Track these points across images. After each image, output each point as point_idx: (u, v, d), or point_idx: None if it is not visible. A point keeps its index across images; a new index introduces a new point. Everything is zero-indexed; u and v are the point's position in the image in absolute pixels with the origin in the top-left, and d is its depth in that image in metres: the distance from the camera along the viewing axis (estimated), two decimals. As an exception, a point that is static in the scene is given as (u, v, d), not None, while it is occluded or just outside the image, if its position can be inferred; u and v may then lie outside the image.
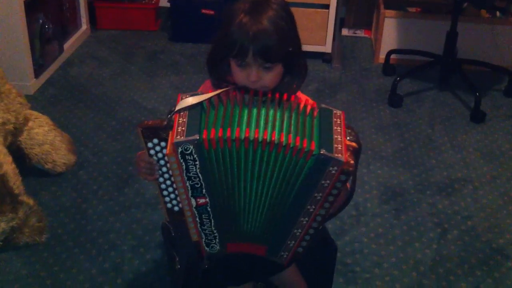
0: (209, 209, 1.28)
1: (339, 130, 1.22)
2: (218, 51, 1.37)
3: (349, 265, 1.92)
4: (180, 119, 1.21)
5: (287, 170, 1.21)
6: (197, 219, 1.30)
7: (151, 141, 1.26)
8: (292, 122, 1.21)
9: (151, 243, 1.98)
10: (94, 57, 3.33)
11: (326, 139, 1.20)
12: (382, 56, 3.31)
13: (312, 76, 3.11)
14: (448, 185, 2.34)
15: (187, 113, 1.22)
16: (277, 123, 1.20)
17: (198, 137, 1.17)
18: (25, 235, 1.92)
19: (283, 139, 1.17)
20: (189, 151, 1.18)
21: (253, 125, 1.19)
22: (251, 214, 1.31)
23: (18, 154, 2.16)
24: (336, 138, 1.20)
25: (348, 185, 1.29)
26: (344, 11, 3.71)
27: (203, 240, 1.35)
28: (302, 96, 1.45)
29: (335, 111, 1.26)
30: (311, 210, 1.26)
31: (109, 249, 1.95)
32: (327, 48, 3.30)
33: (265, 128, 1.19)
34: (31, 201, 1.95)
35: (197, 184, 1.24)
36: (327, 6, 3.21)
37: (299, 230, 1.30)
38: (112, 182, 2.28)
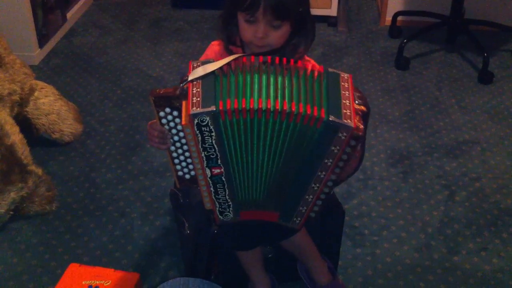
0: (223, 179, 1.28)
1: (347, 94, 1.20)
2: (229, 6, 1.35)
3: (357, 228, 1.93)
4: (194, 88, 1.19)
5: (298, 138, 1.21)
6: (212, 188, 1.30)
7: (163, 110, 1.24)
8: (302, 89, 1.20)
9: (160, 210, 2.00)
10: (97, 25, 3.30)
11: (334, 104, 1.18)
12: (388, 18, 3.27)
13: (317, 40, 3.07)
14: (456, 147, 2.33)
15: (200, 83, 1.20)
16: (287, 91, 1.19)
17: (214, 109, 1.16)
18: (35, 204, 1.94)
19: (294, 107, 1.16)
20: (205, 123, 1.17)
21: (264, 94, 1.18)
22: (264, 182, 1.31)
23: (25, 124, 2.16)
24: (345, 103, 1.19)
25: (358, 151, 1.28)
26: (349, -27, 3.65)
27: (217, 208, 1.35)
28: (310, 61, 1.44)
29: (342, 75, 1.24)
30: (322, 176, 1.26)
31: (119, 216, 1.97)
32: (333, 11, 3.25)
33: (276, 97, 1.18)
34: (39, 171, 1.96)
35: (213, 154, 1.23)
36: (332, -32, 3.16)
37: (311, 196, 1.31)
38: (119, 151, 2.29)
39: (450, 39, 3.08)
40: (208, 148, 1.22)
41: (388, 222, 1.96)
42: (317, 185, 1.28)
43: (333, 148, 1.20)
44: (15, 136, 1.93)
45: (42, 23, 2.93)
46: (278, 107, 1.16)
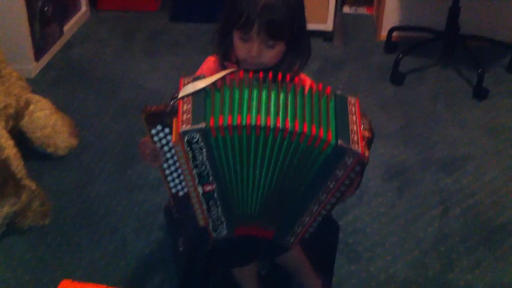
0: (216, 196, 1.27)
1: (354, 119, 1.20)
2: (225, 23, 1.36)
3: (351, 245, 1.93)
4: (185, 105, 1.18)
5: (301, 158, 1.19)
6: (204, 205, 1.29)
7: (154, 127, 1.23)
8: (306, 107, 1.18)
9: (153, 225, 1.99)
10: (94, 38, 3.31)
11: (342, 128, 1.17)
12: (384, 33, 3.28)
13: (314, 55, 3.03)
14: (451, 162, 2.34)
15: (191, 99, 1.19)
16: (290, 109, 1.17)
17: (204, 125, 1.14)
18: (29, 219, 1.93)
19: (298, 126, 1.14)
20: (195, 140, 1.16)
21: (263, 110, 1.16)
22: (259, 199, 1.30)
23: (20, 138, 2.16)
24: (352, 128, 1.18)
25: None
26: (345, -13, 3.67)
27: (210, 225, 1.35)
28: (307, 79, 1.43)
29: (349, 98, 1.23)
30: (323, 198, 1.25)
31: (112, 231, 1.96)
32: (329, 26, 3.27)
33: (277, 114, 1.15)
34: (33, 185, 1.96)
35: (204, 171, 1.22)
36: (328, -17, 3.17)
37: (308, 217, 1.30)
38: (114, 164, 2.29)
39: (445, 54, 3.10)
40: (199, 165, 1.21)
41: (383, 239, 1.95)
42: (316, 207, 1.27)
43: (337, 172, 1.19)
44: (10, 150, 1.92)
45: (39, 36, 2.94)
46: (279, 125, 1.14)
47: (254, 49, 1.30)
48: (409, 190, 2.18)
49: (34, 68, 2.88)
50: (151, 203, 2.09)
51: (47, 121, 2.24)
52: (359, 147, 1.15)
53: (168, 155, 1.27)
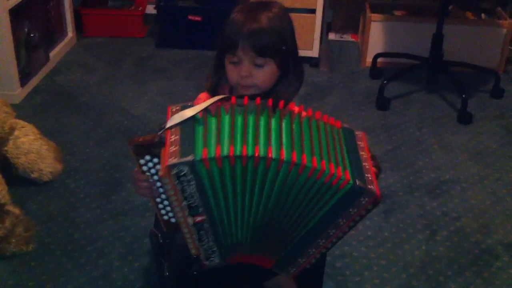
0: (206, 226, 1.25)
1: (364, 156, 1.19)
2: (218, 52, 1.37)
3: (338, 269, 1.91)
4: (172, 136, 1.15)
5: (315, 194, 1.16)
6: (195, 235, 1.27)
7: (143, 158, 1.22)
8: (314, 139, 1.15)
9: (139, 250, 1.97)
10: (80, 64, 3.31)
11: (357, 167, 1.16)
12: (369, 60, 3.32)
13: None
14: (437, 186, 2.35)
15: (179, 129, 1.16)
16: (296, 140, 1.14)
17: (192, 158, 1.10)
18: (12, 245, 1.90)
19: (306, 160, 1.10)
20: (183, 173, 1.12)
21: (262, 138, 1.11)
22: (253, 229, 1.26)
23: (4, 163, 2.14)
24: (365, 166, 1.18)
25: None
26: (330, 15, 3.72)
27: (202, 254, 1.32)
28: (293, 105, 1.43)
29: (357, 133, 1.24)
30: (331, 233, 1.24)
31: (98, 257, 1.94)
32: (314, 52, 3.30)
33: (280, 144, 1.11)
34: (17, 211, 1.93)
35: (194, 203, 1.19)
36: (313, 11, 3.21)
37: (313, 250, 1.29)
38: (99, 190, 2.27)
39: (429, 80, 3.14)
40: (189, 197, 1.17)
41: (370, 262, 1.95)
42: (323, 240, 1.26)
43: (350, 210, 1.18)
44: (-7, 175, 1.90)
45: (25, 61, 2.93)
46: (284, 157, 1.10)
47: (244, 69, 1.31)
48: (396, 214, 2.18)
49: (19, 93, 2.87)
50: (136, 228, 2.07)
51: (31, 146, 2.23)
52: (374, 187, 1.15)
53: (158, 183, 1.25)
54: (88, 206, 2.18)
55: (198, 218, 1.22)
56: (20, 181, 2.23)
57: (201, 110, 1.18)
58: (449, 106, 2.96)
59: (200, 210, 1.20)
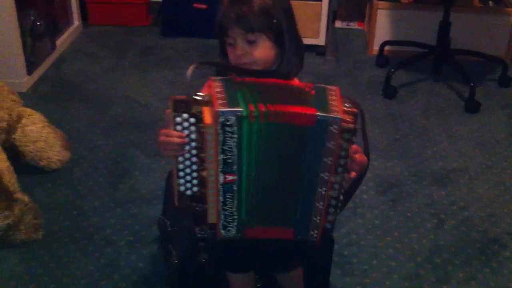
0: (235, 188, 1.27)
1: (334, 99, 1.25)
2: (218, 41, 1.40)
3: (346, 257, 1.92)
4: (217, 88, 1.22)
5: (298, 142, 1.23)
6: (221, 197, 1.28)
7: (180, 115, 1.23)
8: (290, 96, 1.26)
9: (147, 238, 1.97)
10: (86, 53, 3.31)
11: (321, 105, 1.23)
12: (375, 48, 3.31)
13: (306, 69, 3.07)
14: (444, 175, 2.34)
15: (222, 86, 1.24)
16: (280, 99, 1.24)
17: (241, 110, 1.19)
18: (21, 232, 1.91)
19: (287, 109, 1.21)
20: (230, 122, 1.19)
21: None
22: (274, 194, 1.29)
23: (12, 151, 2.14)
24: (331, 104, 1.24)
25: (360, 155, 1.29)
26: (337, 3, 3.70)
27: (221, 221, 1.31)
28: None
29: (329, 87, 1.30)
30: (326, 177, 1.26)
31: (106, 245, 1.94)
32: (321, 40, 3.29)
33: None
34: (26, 198, 1.94)
35: (230, 159, 1.23)
36: (320, -2, 3.20)
37: (321, 203, 1.29)
38: (107, 178, 2.27)
39: (436, 69, 3.12)
40: (227, 151, 1.22)
41: (378, 251, 1.95)
42: (324, 188, 1.27)
43: (328, 144, 1.22)
44: (2, 164, 1.91)
45: (31, 50, 2.93)
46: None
47: (238, 47, 1.34)
48: (403, 203, 2.18)
49: (26, 82, 2.87)
50: (144, 216, 2.07)
51: (39, 134, 2.23)
52: (338, 113, 1.21)
53: (187, 147, 1.25)
54: (96, 194, 2.18)
55: (229, 177, 1.25)
56: (28, 169, 2.24)
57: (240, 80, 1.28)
58: (456, 95, 2.95)
59: (234, 168, 1.24)
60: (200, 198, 1.31)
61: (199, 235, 1.51)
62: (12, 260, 1.88)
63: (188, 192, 1.30)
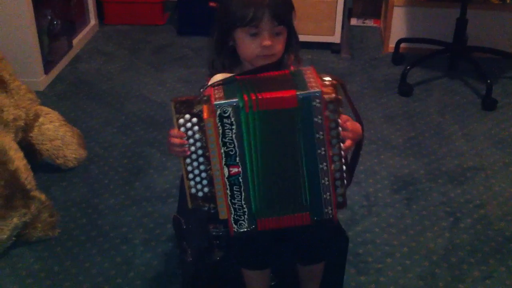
0: (240, 180, 1.28)
1: (311, 77, 1.29)
2: (225, 26, 1.38)
3: (361, 255, 1.91)
4: (216, 91, 1.26)
5: (289, 125, 1.26)
6: (228, 191, 1.29)
7: (183, 117, 1.27)
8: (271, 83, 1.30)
9: (162, 236, 1.98)
10: (102, 52, 3.33)
11: (300, 85, 1.27)
12: (391, 45, 3.29)
13: (321, 67, 3.09)
14: (460, 173, 2.33)
15: (222, 87, 1.27)
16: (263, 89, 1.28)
17: (237, 100, 1.23)
18: (38, 230, 1.93)
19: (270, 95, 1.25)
20: (227, 114, 1.23)
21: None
22: (282, 180, 1.30)
23: (29, 149, 2.17)
24: (310, 81, 1.27)
25: (351, 122, 1.32)
26: (352, 0, 3.69)
27: (232, 216, 1.32)
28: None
29: (304, 68, 1.32)
30: (323, 153, 1.27)
31: (121, 242, 1.96)
32: (336, 38, 3.28)
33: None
34: (42, 196, 1.96)
35: (232, 151, 1.26)
36: (335, -4, 3.19)
37: (326, 179, 1.30)
38: (122, 176, 2.29)
39: (452, 66, 3.10)
40: (228, 143, 1.25)
41: (392, 249, 1.94)
42: (325, 164, 1.28)
43: (316, 119, 1.25)
44: (19, 162, 1.93)
45: (48, 49, 2.96)
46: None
47: (266, 38, 1.35)
48: (418, 201, 2.17)
49: (43, 81, 2.90)
50: (159, 214, 2.08)
51: (56, 133, 2.25)
52: (317, 87, 1.24)
53: (193, 148, 1.29)
54: (112, 192, 2.20)
55: (234, 170, 1.27)
56: (45, 167, 2.27)
57: (235, 76, 1.31)
58: (472, 93, 2.92)
59: (237, 159, 1.27)
60: (211, 198, 1.32)
61: (213, 233, 1.52)
62: (29, 257, 1.90)
63: (200, 194, 1.32)
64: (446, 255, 1.92)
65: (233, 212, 1.31)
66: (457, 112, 2.76)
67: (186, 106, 1.26)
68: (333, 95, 1.26)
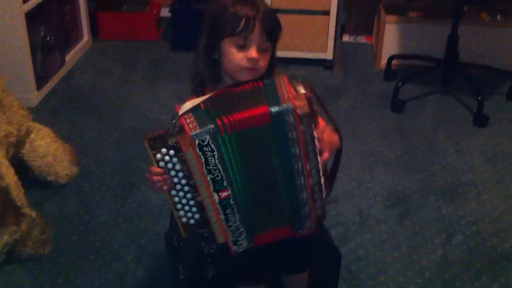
0: (232, 202, 1.29)
1: (284, 88, 1.27)
2: (213, 35, 1.37)
3: (354, 272, 1.91)
4: (187, 120, 1.24)
5: (259, 142, 1.26)
6: (222, 215, 1.29)
7: (159, 152, 1.26)
8: (235, 103, 1.27)
9: (154, 253, 1.97)
10: (96, 67, 3.33)
11: (272, 100, 1.25)
12: (383, 62, 3.31)
13: (314, 83, 3.10)
14: (453, 189, 2.33)
15: (191, 114, 1.25)
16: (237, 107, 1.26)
17: (212, 126, 1.22)
18: (28, 247, 1.92)
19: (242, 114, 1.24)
20: (206, 142, 1.22)
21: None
22: (265, 196, 1.31)
23: (20, 166, 2.16)
24: (282, 95, 1.26)
25: (327, 134, 1.32)
26: (345, 17, 3.71)
27: (230, 238, 1.33)
28: None
29: (278, 78, 1.31)
30: (300, 167, 1.27)
31: (113, 259, 1.95)
32: (328, 54, 3.29)
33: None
34: (34, 213, 1.95)
35: (218, 176, 1.25)
36: (327, 13, 3.20)
37: (305, 192, 1.31)
38: (115, 192, 2.28)
39: (445, 82, 3.12)
40: (212, 170, 1.25)
41: (385, 266, 1.94)
42: (302, 178, 1.29)
43: (290, 135, 1.25)
44: (10, 178, 1.92)
45: (41, 65, 2.96)
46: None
47: (254, 51, 1.33)
48: (411, 218, 2.17)
49: (35, 97, 2.90)
50: (152, 230, 2.07)
51: (47, 149, 2.24)
52: (290, 103, 1.23)
53: (176, 179, 1.28)
54: (104, 208, 2.19)
55: (223, 194, 1.27)
56: (37, 184, 2.25)
57: (207, 98, 1.29)
58: (464, 108, 2.94)
59: (225, 183, 1.26)
60: (204, 222, 1.32)
61: (205, 250, 1.51)
62: (20, 275, 1.88)
63: (192, 221, 1.32)
64: (439, 272, 1.92)
65: (230, 234, 1.32)
66: (449, 128, 2.77)
67: (160, 140, 1.25)
68: (307, 108, 1.24)
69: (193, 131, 1.22)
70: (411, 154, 2.56)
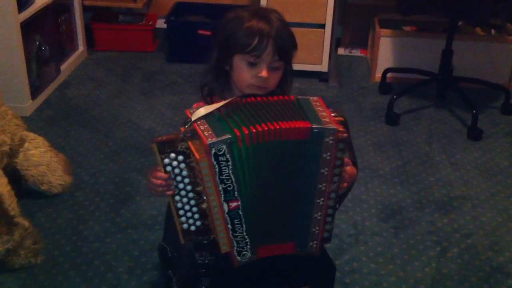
0: (240, 213, 1.27)
1: (321, 110, 1.28)
2: (225, 50, 1.37)
3: (348, 285, 1.90)
4: (201, 126, 1.23)
5: (293, 155, 1.25)
6: (229, 225, 1.28)
7: (167, 156, 1.24)
8: (279, 111, 1.26)
9: (147, 264, 1.96)
10: (91, 78, 3.33)
11: (312, 116, 1.25)
12: (378, 75, 3.32)
13: (309, 95, 3.10)
14: (447, 202, 2.33)
15: (205, 121, 1.24)
16: (271, 115, 1.25)
17: (230, 137, 1.20)
18: (21, 257, 1.90)
19: (284, 125, 1.22)
20: (222, 152, 1.20)
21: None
22: (275, 209, 1.30)
23: (14, 175, 2.15)
24: (322, 115, 1.26)
25: (350, 167, 1.32)
26: (340, 30, 3.73)
27: (235, 248, 1.32)
28: None
29: (311, 98, 1.32)
30: (323, 188, 1.27)
31: (106, 270, 1.93)
32: (324, 67, 3.30)
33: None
34: (26, 223, 1.93)
35: (230, 186, 1.24)
36: (323, 26, 3.22)
37: (319, 213, 1.30)
38: (108, 203, 2.27)
39: (439, 96, 3.13)
40: (225, 180, 1.23)
41: (380, 279, 1.93)
42: (322, 199, 1.28)
43: (325, 155, 1.24)
44: (3, 188, 1.91)
45: (36, 75, 2.95)
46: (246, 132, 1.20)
47: (264, 70, 1.34)
48: (406, 230, 2.16)
49: (30, 106, 2.89)
50: (145, 241, 2.06)
51: (41, 159, 2.23)
52: (333, 125, 1.23)
53: (181, 185, 1.27)
54: (97, 219, 2.18)
55: (233, 204, 1.26)
56: (30, 193, 2.24)
57: (219, 107, 1.27)
58: (459, 122, 2.95)
59: (236, 194, 1.25)
60: (205, 230, 1.31)
61: (199, 261, 1.50)
62: (11, 285, 1.87)
63: (192, 228, 1.30)
64: (433, 285, 1.91)
65: (235, 244, 1.31)
66: (444, 142, 2.77)
67: (169, 145, 1.24)
68: (346, 134, 1.25)
69: (209, 139, 1.20)
70: (405, 167, 2.56)
